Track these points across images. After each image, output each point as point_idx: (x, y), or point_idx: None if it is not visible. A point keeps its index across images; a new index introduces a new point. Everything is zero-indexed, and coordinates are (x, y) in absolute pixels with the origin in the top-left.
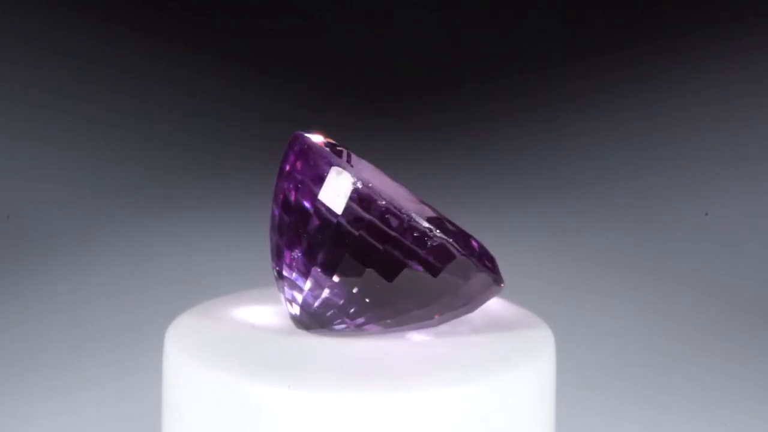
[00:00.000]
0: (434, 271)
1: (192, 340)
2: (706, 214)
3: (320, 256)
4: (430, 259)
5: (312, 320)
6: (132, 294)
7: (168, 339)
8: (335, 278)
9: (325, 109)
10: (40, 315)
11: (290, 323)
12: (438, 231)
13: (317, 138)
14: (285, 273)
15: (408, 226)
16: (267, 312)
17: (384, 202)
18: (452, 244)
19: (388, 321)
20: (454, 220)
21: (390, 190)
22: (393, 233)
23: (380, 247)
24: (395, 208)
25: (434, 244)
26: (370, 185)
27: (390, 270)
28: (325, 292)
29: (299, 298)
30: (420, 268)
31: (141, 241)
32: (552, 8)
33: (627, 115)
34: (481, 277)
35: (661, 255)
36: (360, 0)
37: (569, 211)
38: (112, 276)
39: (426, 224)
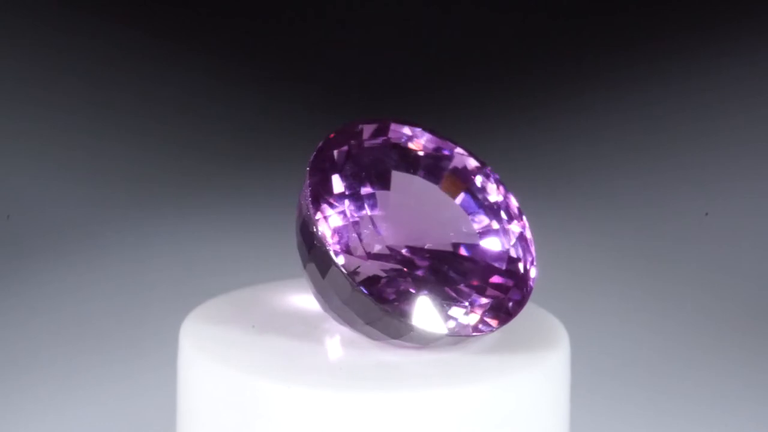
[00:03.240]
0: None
1: (208, 337)
2: (706, 214)
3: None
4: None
5: None
6: (135, 293)
7: (183, 335)
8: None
9: (325, 109)
10: (42, 315)
11: (303, 319)
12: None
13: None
14: None
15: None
16: (279, 307)
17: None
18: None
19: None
20: None
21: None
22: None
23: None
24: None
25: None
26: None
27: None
28: None
29: None
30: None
31: (142, 240)
32: (552, 8)
33: (627, 114)
34: (385, 321)
35: (672, 254)
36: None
37: (571, 211)
38: (114, 276)
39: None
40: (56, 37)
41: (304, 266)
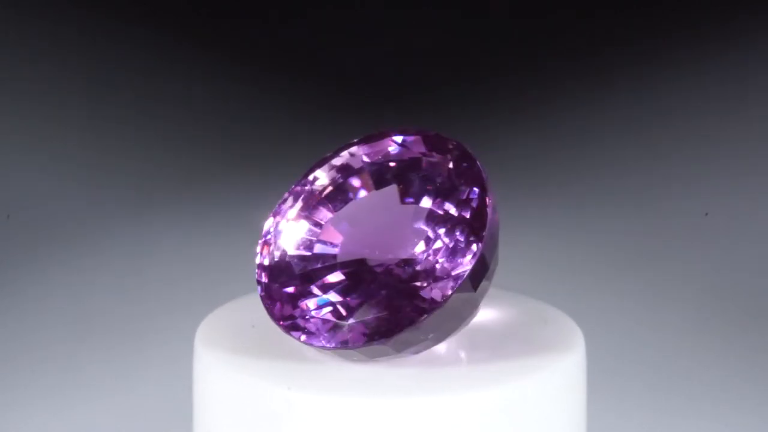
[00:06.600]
0: None
1: (223, 343)
2: (706, 214)
3: None
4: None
5: None
6: (136, 294)
7: (198, 341)
8: None
9: (326, 108)
10: (42, 315)
11: None
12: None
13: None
14: None
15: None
16: None
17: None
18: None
19: None
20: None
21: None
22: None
23: None
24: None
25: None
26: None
27: None
28: None
29: None
30: None
31: (142, 240)
32: (551, 7)
33: (628, 115)
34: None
35: (672, 254)
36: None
37: (573, 210)
38: (116, 277)
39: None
40: (56, 37)
41: None
